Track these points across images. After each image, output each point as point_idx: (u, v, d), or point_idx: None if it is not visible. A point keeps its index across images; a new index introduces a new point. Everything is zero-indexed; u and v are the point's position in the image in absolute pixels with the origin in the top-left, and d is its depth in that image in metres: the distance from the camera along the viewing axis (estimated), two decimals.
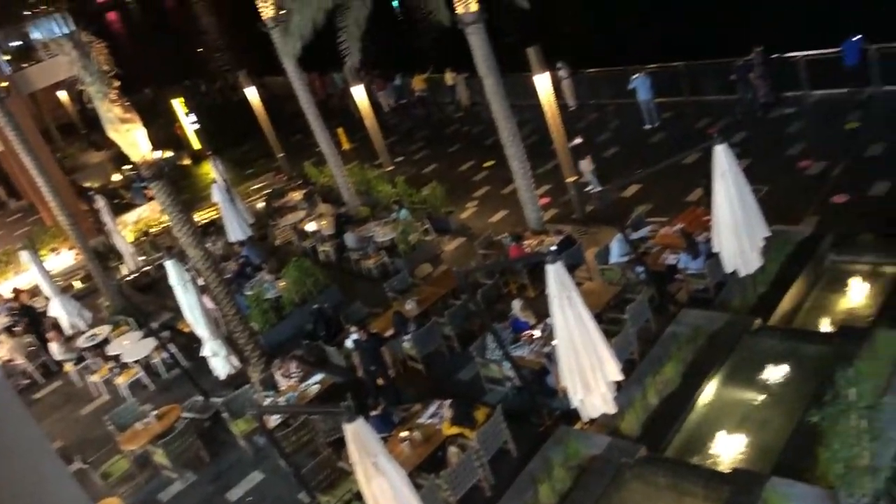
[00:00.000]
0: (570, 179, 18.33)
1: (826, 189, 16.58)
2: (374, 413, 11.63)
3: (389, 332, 14.51)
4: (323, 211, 21.75)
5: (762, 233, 12.04)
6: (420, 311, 15.03)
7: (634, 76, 22.55)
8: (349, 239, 19.37)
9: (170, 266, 13.37)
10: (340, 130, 29.35)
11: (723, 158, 11.51)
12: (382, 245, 18.86)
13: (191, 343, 15.85)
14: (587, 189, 19.28)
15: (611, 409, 9.91)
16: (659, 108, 23.02)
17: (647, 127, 22.79)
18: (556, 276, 9.15)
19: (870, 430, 8.52)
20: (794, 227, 14.75)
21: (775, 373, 11.41)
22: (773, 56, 21.25)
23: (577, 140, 19.83)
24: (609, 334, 11.61)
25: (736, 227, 11.72)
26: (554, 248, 15.10)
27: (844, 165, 17.30)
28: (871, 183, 16.17)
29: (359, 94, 24.59)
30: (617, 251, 14.62)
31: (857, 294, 13.22)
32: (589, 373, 9.50)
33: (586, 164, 19.31)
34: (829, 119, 19.86)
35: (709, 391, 11.40)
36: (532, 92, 17.98)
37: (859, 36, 19.79)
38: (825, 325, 12.76)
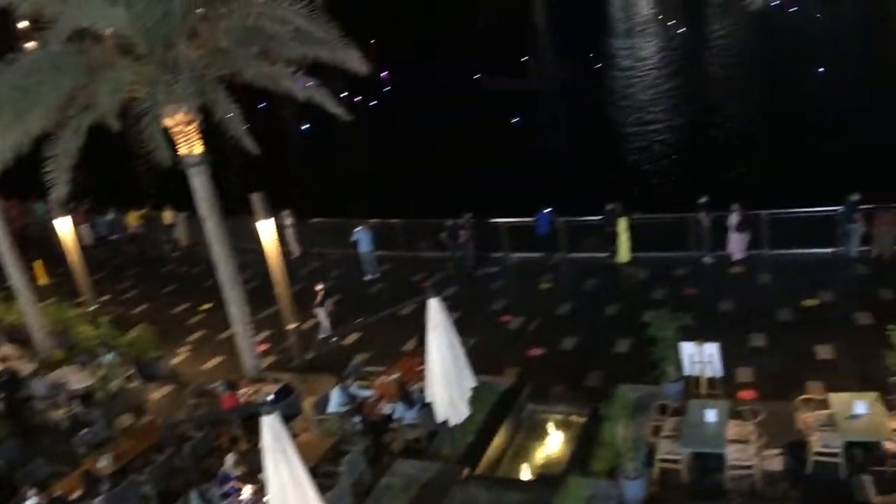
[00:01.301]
0: (291, 326, 18.19)
1: (524, 343, 18.15)
2: None
3: (77, 494, 12.83)
4: (7, 353, 19.27)
5: (470, 383, 12.78)
6: (117, 468, 13.55)
7: (357, 229, 23.49)
8: (37, 386, 17.23)
9: None
10: (38, 263, 26.69)
11: (436, 311, 12.22)
12: (77, 393, 16.98)
13: None
14: (321, 337, 19.32)
15: None
16: (379, 261, 24.05)
17: (368, 278, 23.61)
18: (271, 428, 8.85)
19: None
20: (498, 378, 15.79)
21: None
22: (480, 221, 23.49)
23: (320, 286, 20.00)
24: (324, 488, 11.33)
25: (447, 377, 12.32)
26: (271, 397, 14.68)
27: (539, 322, 19.16)
28: (562, 338, 18.03)
29: (63, 225, 22.69)
30: (336, 400, 14.55)
31: (553, 442, 14.35)
32: None
33: (324, 311, 19.49)
34: (526, 279, 22.09)
35: None
36: (255, 236, 17.92)
37: (549, 209, 22.62)
38: (526, 473, 13.57)
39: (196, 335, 21.50)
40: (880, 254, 19.21)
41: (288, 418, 14.74)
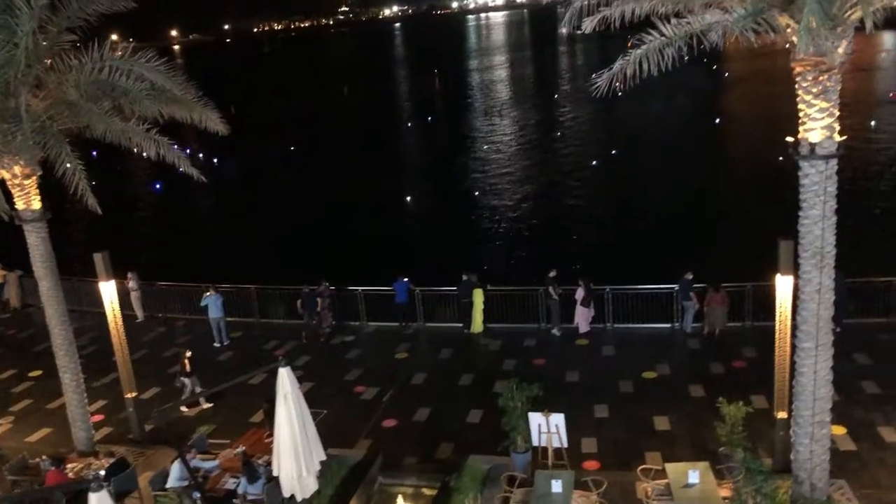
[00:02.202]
0: (130, 395, 17.11)
1: (378, 414, 17.96)
2: None
3: None
4: None
5: (319, 456, 12.44)
6: None
7: (207, 294, 22.67)
8: None
9: None
10: None
11: (286, 381, 11.90)
12: None
13: None
14: (162, 408, 18.27)
15: None
16: (229, 327, 23.25)
17: (217, 345, 22.73)
18: None
19: None
20: (349, 451, 15.50)
21: None
22: (337, 288, 23.32)
23: (188, 353, 18.99)
24: None
25: (296, 450, 11.93)
26: (102, 472, 13.65)
27: (394, 392, 19.06)
28: (416, 409, 17.99)
29: None
30: (175, 475, 13.72)
31: None
32: None
33: (192, 380, 18.57)
34: (383, 349, 22.00)
35: None
36: (97, 299, 16.91)
37: (407, 279, 22.83)
38: None
39: (22, 404, 19.77)
40: (711, 331, 20.62)
41: (122, 495, 13.85)
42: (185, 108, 15.20)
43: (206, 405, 18.67)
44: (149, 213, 49.57)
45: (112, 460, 14.54)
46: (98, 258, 16.16)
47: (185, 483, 13.51)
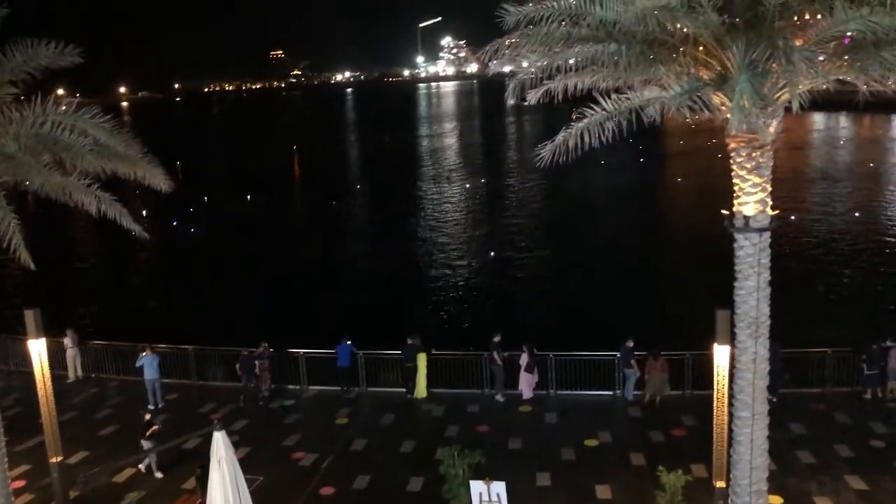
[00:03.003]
0: (55, 459, 16.34)
1: (316, 481, 17.48)
2: None
3: None
4: None
5: None
6: None
7: (143, 354, 22.02)
8: None
9: None
10: None
11: (221, 445, 11.55)
12: None
13: None
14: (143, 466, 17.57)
15: None
16: (164, 389, 22.55)
17: (151, 407, 21.96)
18: None
19: None
20: None
21: None
22: (277, 350, 22.89)
23: (148, 416, 18.26)
24: None
25: None
26: None
27: (333, 458, 18.61)
28: (355, 477, 17.58)
29: None
30: None
31: None
32: None
33: (149, 445, 17.76)
34: (323, 413, 21.55)
35: None
36: (25, 358, 16.26)
37: (349, 341, 22.56)
38: None
39: None
40: (651, 398, 20.80)
41: None
42: (128, 165, 14.99)
43: (158, 475, 17.82)
44: (90, 269, 48.28)
45: None
46: (28, 315, 15.63)
47: None
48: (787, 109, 11.14)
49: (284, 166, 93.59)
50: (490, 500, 13.94)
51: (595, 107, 11.58)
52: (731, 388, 12.85)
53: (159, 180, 15.48)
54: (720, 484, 13.66)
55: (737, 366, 12.41)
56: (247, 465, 15.42)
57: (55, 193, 14.73)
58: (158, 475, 17.73)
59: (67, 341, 24.07)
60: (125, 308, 37.52)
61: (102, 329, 27.02)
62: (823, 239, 44.91)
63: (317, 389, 23.17)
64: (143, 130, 16.08)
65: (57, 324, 24.42)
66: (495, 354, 21.59)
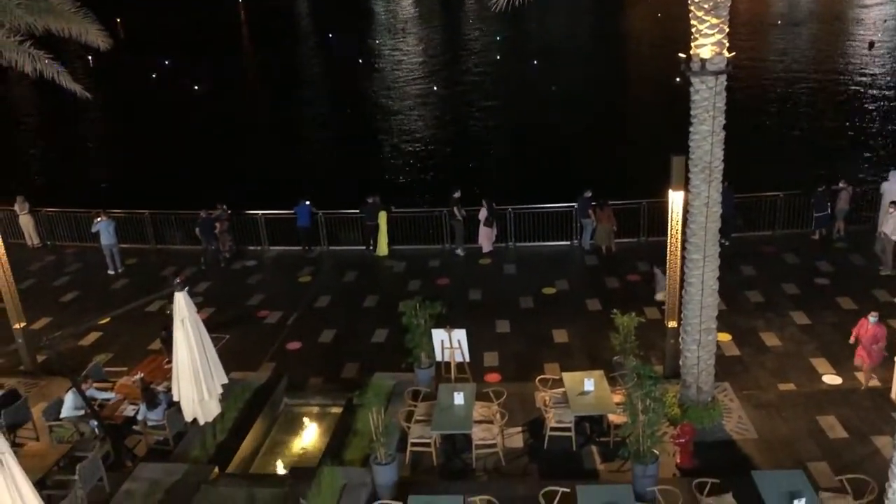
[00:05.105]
0: (18, 325, 16.35)
1: (282, 337, 17.84)
2: None
3: None
4: None
5: (220, 380, 12.33)
6: None
7: (98, 220, 21.65)
8: None
9: None
10: None
11: (183, 305, 11.63)
12: None
13: None
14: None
15: None
16: (123, 254, 22.39)
17: (111, 272, 21.89)
18: None
19: None
20: (252, 374, 15.41)
21: None
22: (237, 212, 22.71)
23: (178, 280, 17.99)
24: (55, 500, 10.39)
25: (196, 375, 11.78)
26: None
27: (298, 315, 18.93)
28: (320, 332, 17.96)
29: None
30: (70, 404, 13.34)
31: (309, 434, 14.28)
32: None
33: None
34: (285, 273, 21.70)
35: None
36: None
37: (308, 202, 22.40)
38: (281, 467, 13.34)
39: None
40: (601, 246, 21.26)
41: (14, 426, 13.39)
42: (62, 20, 14.15)
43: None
44: (38, 135, 46.56)
45: (1, 392, 13.95)
46: None
47: (81, 412, 13.17)
48: None
49: (235, 21, 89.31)
50: (451, 347, 14.41)
51: None
52: (684, 232, 13.14)
53: (95, 36, 14.68)
54: (672, 324, 14.21)
55: (690, 210, 12.63)
56: (212, 325, 15.70)
57: None
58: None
59: (17, 207, 23.52)
60: (75, 174, 36.61)
61: (54, 196, 26.39)
62: (780, 83, 44.93)
63: (278, 250, 23.20)
64: None
65: (5, 192, 23.84)
66: (455, 210, 21.68)
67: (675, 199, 13.45)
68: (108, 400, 13.78)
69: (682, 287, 13.37)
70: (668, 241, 13.82)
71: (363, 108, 46.53)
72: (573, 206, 21.60)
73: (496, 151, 36.85)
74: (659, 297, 17.69)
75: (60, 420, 13.31)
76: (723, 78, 11.78)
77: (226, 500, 11.62)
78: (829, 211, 20.75)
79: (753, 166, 25.40)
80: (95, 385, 14.02)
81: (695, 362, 13.18)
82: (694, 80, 11.92)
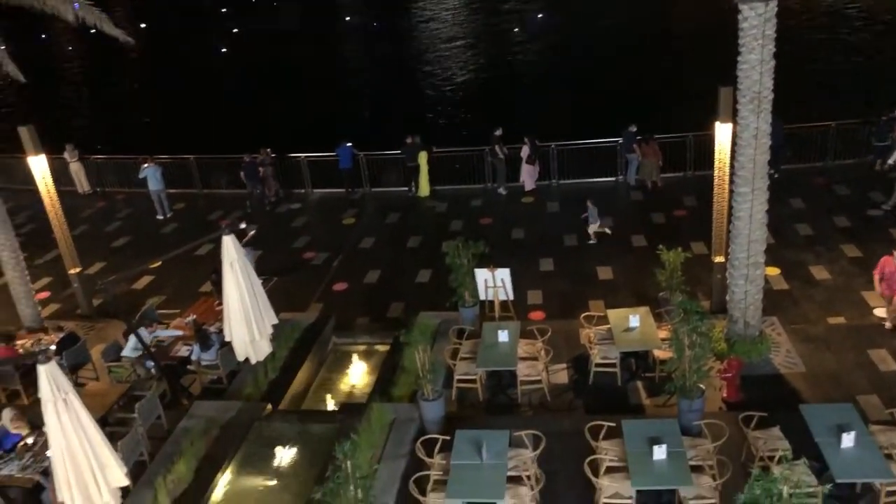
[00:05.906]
0: (74, 271, 16.85)
1: (328, 278, 18.11)
2: None
3: None
4: None
5: (271, 320, 12.57)
6: None
7: (145, 165, 22.01)
8: None
9: None
10: None
11: (231, 248, 11.80)
12: None
13: None
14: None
15: None
16: (171, 199, 22.79)
17: (160, 217, 22.34)
18: (49, 377, 8.21)
19: (365, 500, 9.25)
20: (301, 315, 15.71)
21: (286, 456, 11.81)
22: (280, 156, 22.86)
23: (251, 231, 18.47)
24: (117, 436, 10.82)
25: (246, 316, 12.00)
26: (52, 347, 13.64)
27: (343, 257, 19.16)
28: (365, 272, 18.18)
29: None
30: (128, 346, 13.80)
31: (357, 372, 14.58)
32: (90, 483, 8.62)
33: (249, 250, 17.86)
34: (329, 215, 21.90)
35: (222, 484, 11.24)
36: (29, 176, 16.25)
37: (349, 144, 22.42)
38: (331, 404, 13.70)
39: None
40: (645, 181, 20.93)
41: (75, 367, 13.91)
42: None
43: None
44: (82, 84, 47.14)
45: (62, 335, 14.48)
46: (23, 132, 15.42)
47: (138, 353, 13.61)
48: None
49: None
50: (495, 286, 14.47)
51: None
52: (732, 165, 12.85)
53: None
54: (719, 259, 14.03)
55: (738, 142, 12.32)
56: (259, 267, 15.96)
57: (30, 2, 14.07)
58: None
59: (67, 155, 24.01)
60: (121, 121, 37.12)
61: (102, 143, 26.84)
62: (834, 10, 43.05)
63: (321, 192, 23.39)
64: None
65: (55, 140, 24.30)
66: (497, 148, 21.49)
67: (722, 131, 13.14)
68: (173, 336, 14.22)
69: (729, 221, 13.15)
70: (715, 174, 13.55)
71: (403, 49, 45.99)
72: (618, 142, 21.25)
73: (538, 89, 36.21)
74: (592, 228, 18.07)
75: (120, 360, 13.80)
76: (773, 4, 11.33)
77: (279, 436, 12.00)
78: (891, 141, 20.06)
79: (804, 97, 24.58)
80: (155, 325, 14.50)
81: (742, 297, 13.02)
82: (742, 7, 11.49)
